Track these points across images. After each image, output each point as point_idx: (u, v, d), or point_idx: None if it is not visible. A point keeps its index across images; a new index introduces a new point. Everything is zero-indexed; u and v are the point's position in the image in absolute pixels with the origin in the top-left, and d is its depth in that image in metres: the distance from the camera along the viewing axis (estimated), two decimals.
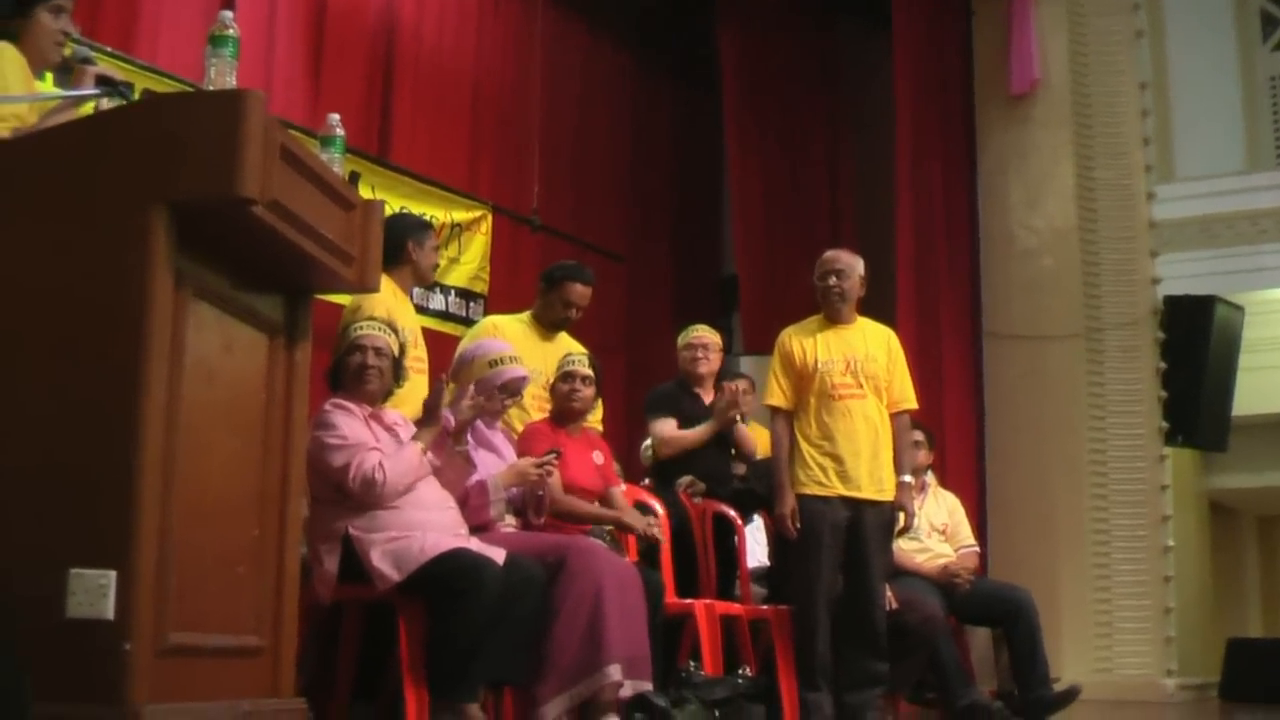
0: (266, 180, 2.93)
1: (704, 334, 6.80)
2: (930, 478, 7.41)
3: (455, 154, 9.47)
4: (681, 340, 6.89)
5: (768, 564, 6.57)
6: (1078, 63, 10.15)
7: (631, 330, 10.77)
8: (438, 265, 5.95)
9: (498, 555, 4.32)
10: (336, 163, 3.54)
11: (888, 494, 5.88)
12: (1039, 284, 9.87)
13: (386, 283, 5.78)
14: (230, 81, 3.05)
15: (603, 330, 10.40)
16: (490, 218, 9.40)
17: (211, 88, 3.07)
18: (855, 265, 6.09)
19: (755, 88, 11.05)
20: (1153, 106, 10.50)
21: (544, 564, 4.52)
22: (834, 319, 6.05)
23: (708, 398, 6.67)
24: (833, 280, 6.03)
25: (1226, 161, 10.75)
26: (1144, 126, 10.22)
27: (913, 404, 6.08)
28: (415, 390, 5.08)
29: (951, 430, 9.75)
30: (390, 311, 5.00)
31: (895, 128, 10.05)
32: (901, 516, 5.92)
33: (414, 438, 4.47)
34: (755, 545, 6.62)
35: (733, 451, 6.70)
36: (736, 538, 6.19)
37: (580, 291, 6.24)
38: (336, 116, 3.69)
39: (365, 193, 8.40)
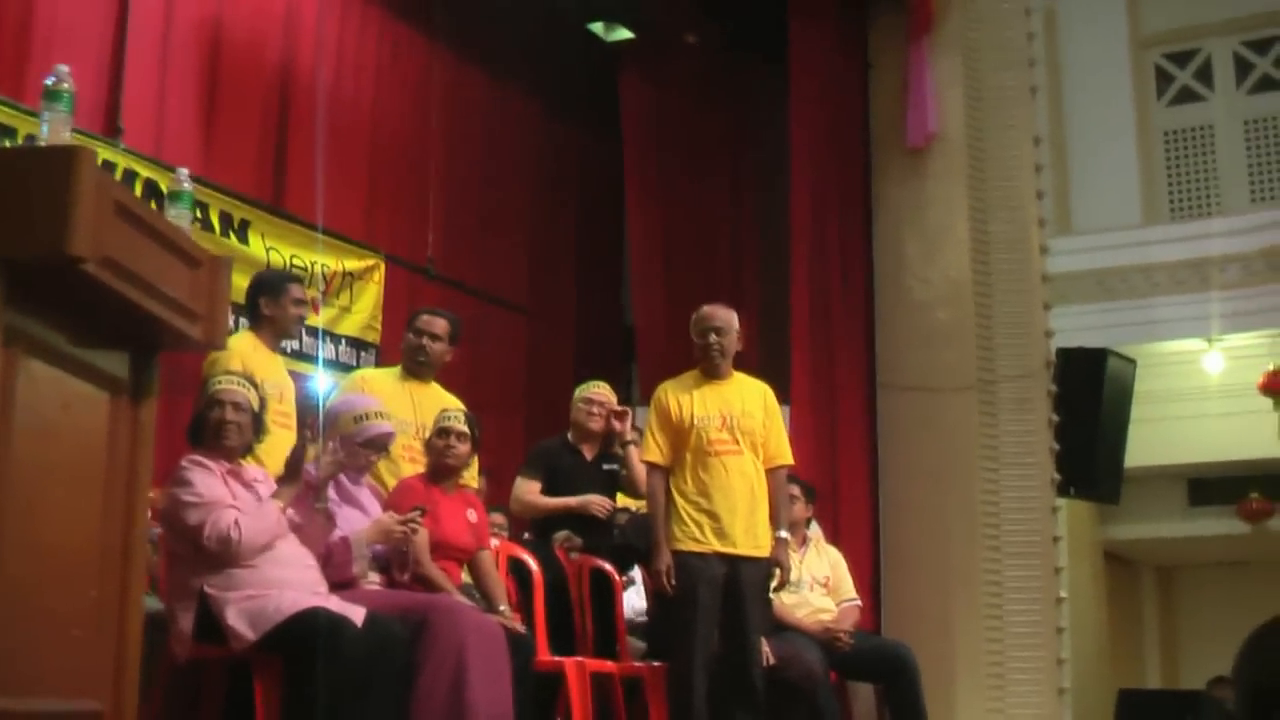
0: (99, 238, 2.90)
1: (602, 390, 6.80)
2: (814, 530, 7.43)
3: (350, 202, 9.45)
4: (578, 394, 6.88)
5: (645, 617, 6.56)
6: (973, 117, 10.26)
7: (532, 383, 10.78)
8: (303, 317, 5.89)
9: (357, 614, 4.29)
10: (185, 219, 3.49)
11: (764, 550, 5.89)
12: (933, 336, 9.94)
13: (247, 337, 5.79)
14: (66, 136, 3.02)
15: (503, 383, 10.42)
16: (383, 267, 9.38)
17: (45, 143, 3.03)
18: (732, 320, 6.12)
19: (657, 137, 11.11)
20: (1048, 160, 10.66)
21: (406, 623, 4.49)
22: (712, 375, 6.06)
23: (590, 453, 6.68)
24: (712, 337, 6.04)
25: (1122, 215, 10.95)
26: (1038, 180, 10.35)
27: (788, 459, 6.09)
28: (280, 445, 5.05)
29: (846, 481, 9.81)
30: (248, 366, 4.96)
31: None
32: (778, 572, 5.93)
33: (273, 495, 4.44)
34: (636, 598, 6.62)
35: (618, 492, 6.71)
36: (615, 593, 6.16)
37: (426, 320, 6.23)
38: (185, 171, 3.64)
39: (255, 242, 8.38)
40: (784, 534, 5.97)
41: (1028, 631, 9.67)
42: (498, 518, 7.37)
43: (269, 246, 8.53)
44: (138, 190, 7.61)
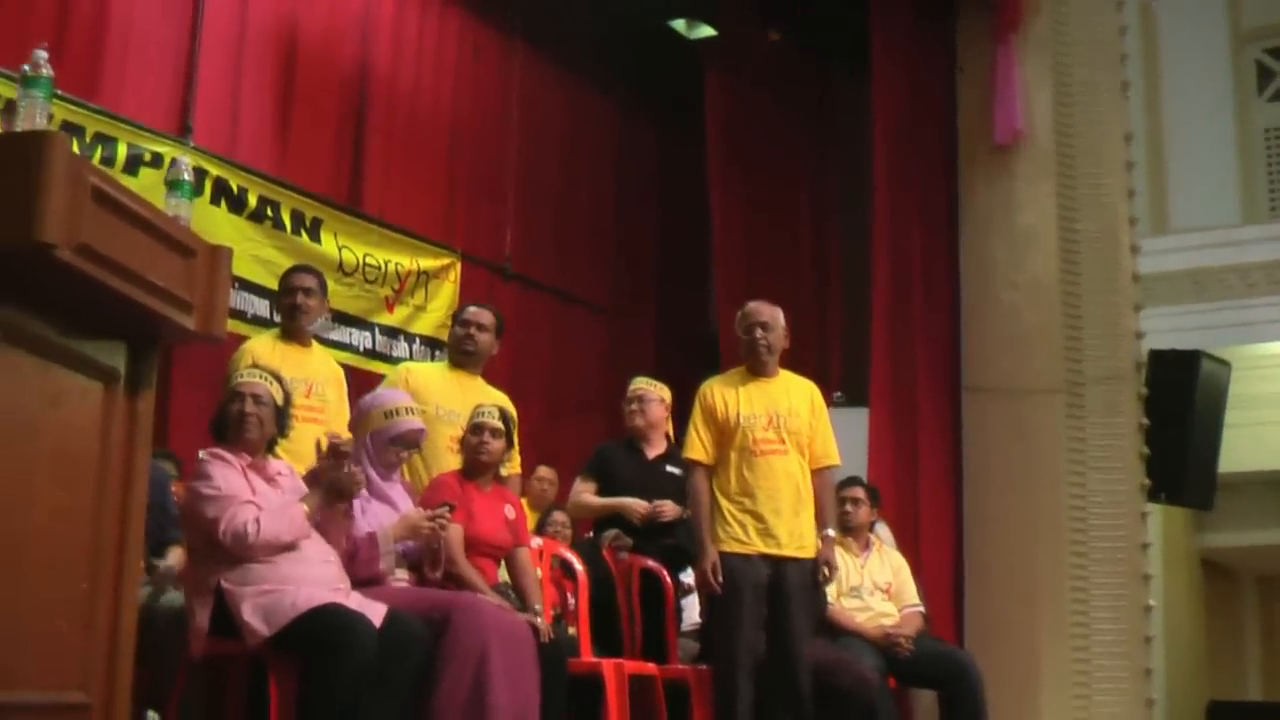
0: (73, 225, 2.88)
1: (643, 387, 6.73)
2: (882, 534, 7.30)
3: (427, 201, 9.49)
4: (627, 392, 6.83)
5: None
6: (1062, 115, 10.04)
7: (612, 385, 10.67)
8: (295, 305, 5.77)
9: (377, 611, 4.25)
10: (184, 208, 3.46)
11: (809, 551, 5.76)
12: (1020, 338, 9.72)
13: (267, 336, 5.83)
14: (41, 123, 3.00)
15: (582, 384, 10.38)
16: (459, 266, 9.38)
17: (20, 129, 3.01)
18: (778, 317, 6.00)
19: (740, 137, 11.02)
20: (1143, 158, 10.42)
21: (428, 621, 4.43)
22: (757, 372, 5.95)
23: (652, 452, 6.60)
24: (759, 333, 5.93)
25: (1219, 214, 10.65)
26: (1129, 179, 10.10)
27: (835, 460, 5.96)
28: (308, 439, 5.07)
29: (928, 486, 9.64)
30: (269, 359, 4.97)
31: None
32: (825, 569, 5.79)
33: (301, 499, 4.41)
34: (696, 602, 6.53)
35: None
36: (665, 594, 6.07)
37: (474, 312, 6.21)
38: (185, 160, 3.62)
39: (328, 241, 8.42)
40: (830, 532, 5.83)
41: (1114, 640, 9.43)
42: (560, 516, 7.32)
43: (341, 245, 8.57)
44: (207, 189, 7.70)
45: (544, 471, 8.26)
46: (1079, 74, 10.14)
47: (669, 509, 6.34)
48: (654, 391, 6.69)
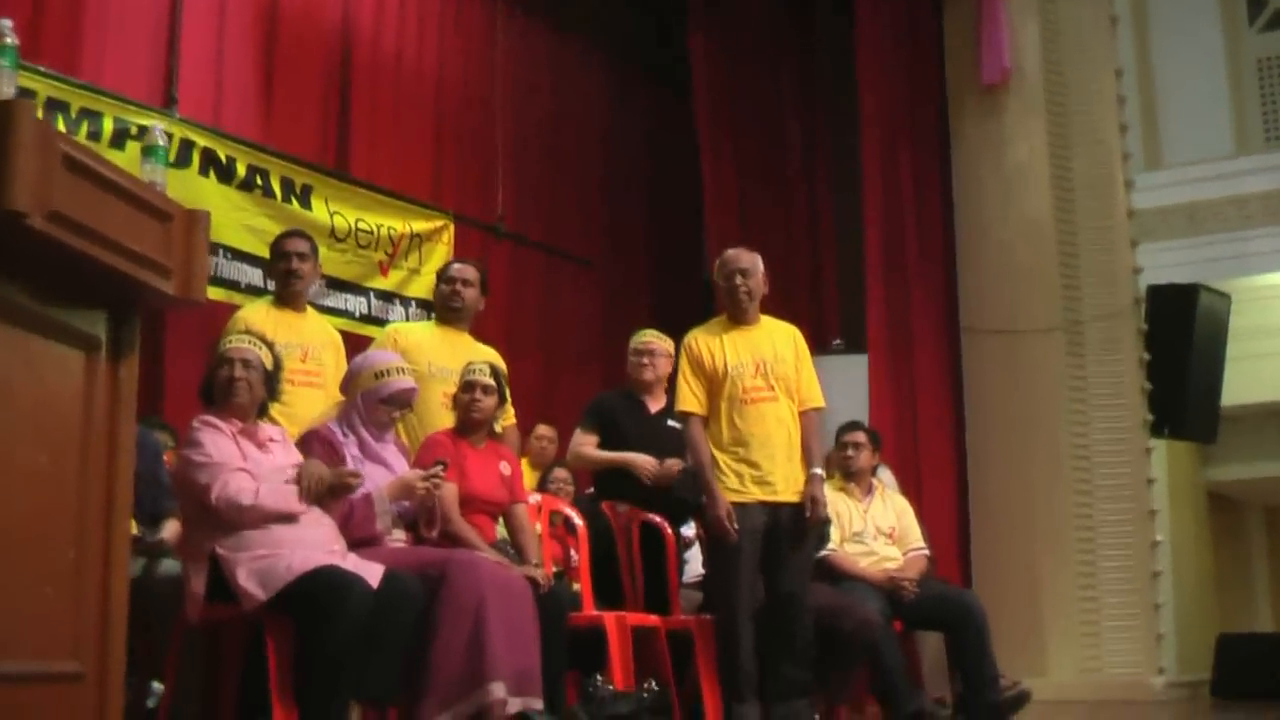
0: (44, 192, 2.84)
1: (652, 339, 6.70)
2: (884, 478, 7.30)
3: (417, 164, 9.44)
4: (631, 344, 6.80)
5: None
6: (1051, 51, 10.04)
7: (607, 339, 10.68)
8: (288, 270, 5.71)
9: (374, 571, 4.24)
10: (159, 173, 3.44)
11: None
12: (1016, 277, 9.75)
13: (260, 304, 5.82)
14: (9, 92, 2.97)
15: (578, 339, 10.38)
16: (452, 227, 9.34)
17: None
18: (757, 263, 5.96)
19: (728, 86, 11.01)
20: (1134, 93, 10.37)
21: (425, 579, 4.43)
22: (739, 320, 5.91)
23: (654, 406, 6.57)
24: (738, 279, 5.89)
25: (1214, 146, 10.57)
26: (1121, 114, 10.10)
27: (820, 402, 5.92)
28: (305, 404, 5.06)
29: (928, 429, 9.68)
30: (259, 329, 4.97)
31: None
32: (813, 507, 5.71)
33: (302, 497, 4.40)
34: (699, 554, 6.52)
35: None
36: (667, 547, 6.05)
37: (459, 268, 6.22)
38: (160, 126, 3.59)
39: (319, 207, 8.38)
40: (818, 471, 5.78)
41: (1122, 577, 9.49)
42: (561, 473, 7.31)
43: (333, 211, 8.53)
44: (194, 160, 7.66)
45: (544, 430, 8.25)
46: (1066, 9, 10.15)
47: (678, 467, 6.29)
48: (662, 345, 6.66)
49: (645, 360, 6.66)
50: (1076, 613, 9.37)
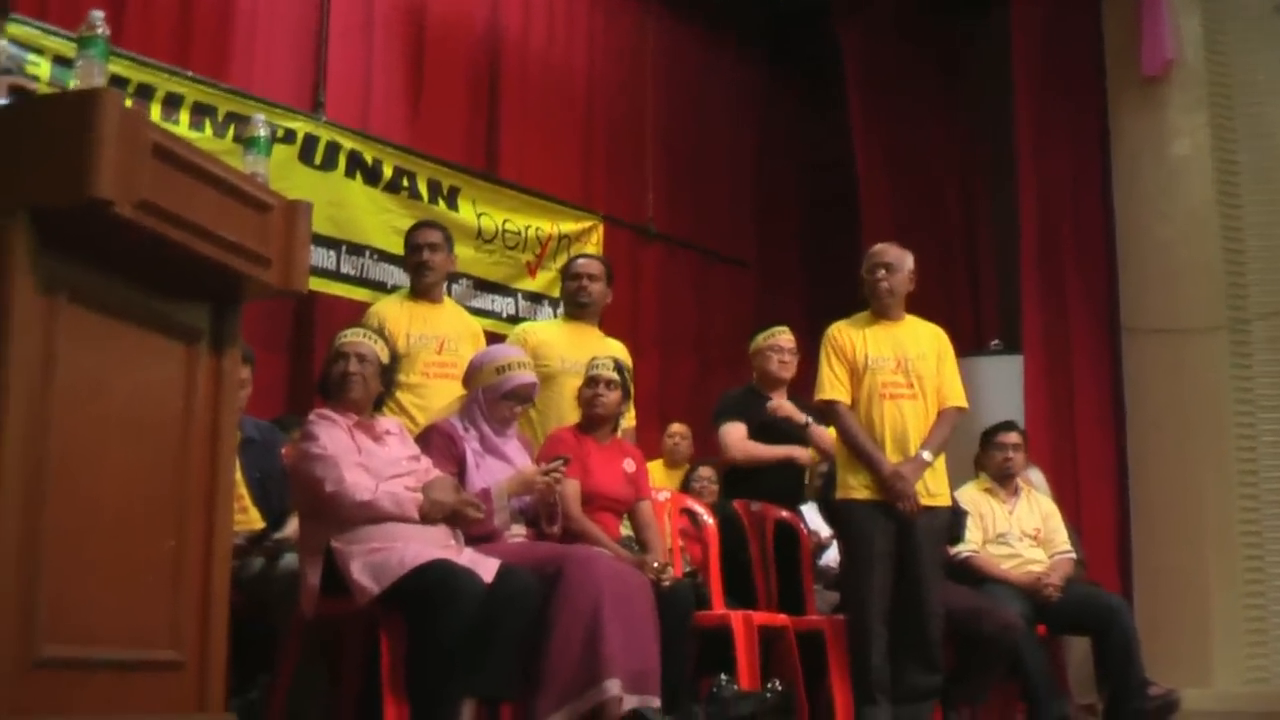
0: (131, 180, 2.86)
1: (787, 336, 6.62)
2: (1032, 479, 7.11)
3: (566, 165, 9.45)
4: (761, 341, 6.70)
5: None
6: (1214, 41, 9.71)
7: None
8: (422, 263, 5.78)
9: (489, 566, 4.21)
10: (261, 164, 3.44)
11: (940, 498, 5.61)
12: (1179, 274, 9.43)
13: (394, 297, 5.85)
14: (99, 82, 2.98)
15: (729, 341, 10.27)
16: (601, 228, 9.32)
17: (75, 88, 3.00)
18: (904, 260, 5.84)
19: (880, 86, 10.83)
20: None
21: (541, 575, 4.38)
22: (882, 315, 5.80)
23: (778, 401, 6.49)
24: (880, 274, 5.80)
25: None
26: None
27: (961, 402, 5.75)
28: (439, 395, 5.17)
29: (1086, 432, 9.42)
30: (391, 323, 4.98)
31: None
32: (897, 485, 5.50)
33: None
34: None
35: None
36: (801, 545, 5.95)
37: (583, 263, 6.25)
38: (261, 117, 3.59)
39: (466, 208, 8.41)
40: (927, 455, 5.58)
41: None
42: (706, 471, 7.25)
43: (480, 212, 8.55)
44: (341, 163, 7.72)
45: (677, 427, 8.13)
46: None
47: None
48: (793, 342, 6.60)
49: (786, 358, 6.59)
50: (1242, 620, 9.04)
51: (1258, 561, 9.15)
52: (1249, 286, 9.45)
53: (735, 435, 6.44)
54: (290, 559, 4.66)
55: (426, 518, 4.35)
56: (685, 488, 7.11)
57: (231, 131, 7.08)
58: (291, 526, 4.79)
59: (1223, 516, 9.13)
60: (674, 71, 10.40)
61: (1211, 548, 9.10)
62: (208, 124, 7.03)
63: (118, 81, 6.45)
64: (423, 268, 5.78)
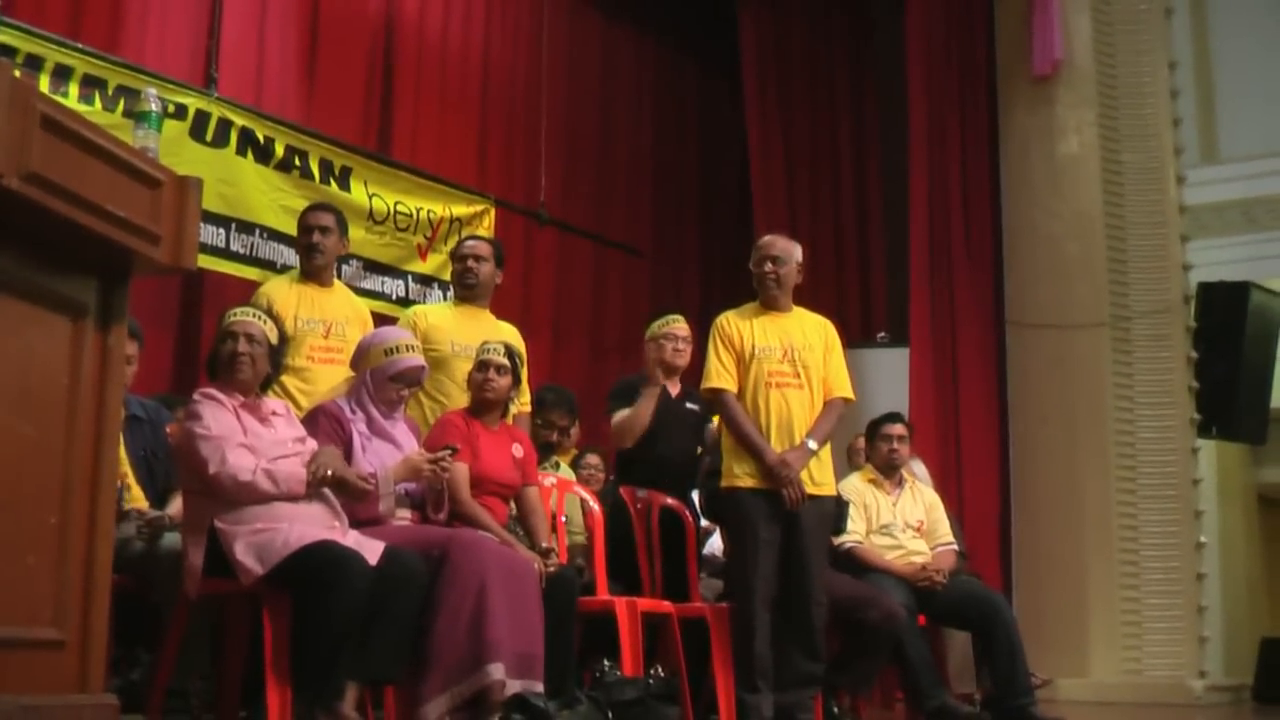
0: (19, 152, 2.82)
1: (681, 325, 6.62)
2: (915, 470, 7.21)
3: (459, 147, 9.44)
4: (656, 329, 6.70)
5: None
6: (1103, 42, 9.92)
7: None
8: (313, 244, 5.71)
9: (374, 549, 4.21)
10: (152, 138, 3.41)
11: (824, 488, 5.67)
12: (1064, 271, 9.63)
13: (283, 278, 5.82)
14: None
15: (625, 328, 10.31)
16: (493, 212, 9.30)
17: None
18: (792, 251, 5.89)
19: (777, 73, 10.97)
20: (1191, 86, 10.22)
21: (427, 557, 4.39)
22: (770, 305, 5.85)
23: (673, 390, 6.50)
24: (768, 266, 5.84)
25: (1271, 141, 10.37)
26: (1174, 107, 9.94)
27: (848, 393, 5.81)
28: (329, 380, 5.11)
29: (970, 424, 9.58)
30: (280, 304, 4.95)
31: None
32: (781, 471, 5.51)
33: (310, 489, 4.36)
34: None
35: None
36: (687, 533, 5.98)
37: (469, 245, 6.23)
38: (153, 91, 3.56)
39: (358, 189, 8.37)
40: (812, 443, 5.64)
41: (1166, 579, 9.37)
42: (593, 459, 7.27)
43: (372, 193, 8.51)
44: (232, 140, 7.66)
45: (593, 459, 8.02)
46: (1119, 0, 9.99)
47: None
48: (688, 332, 6.60)
49: (680, 346, 6.58)
50: (1119, 613, 9.25)
51: (1133, 556, 9.36)
52: (1131, 285, 9.66)
53: (619, 419, 6.43)
54: (172, 538, 4.63)
55: (314, 479, 4.32)
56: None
57: (122, 105, 7.00)
58: (175, 505, 4.75)
59: (1102, 510, 9.34)
60: (572, 55, 10.42)
61: (1090, 540, 9.30)
62: (97, 97, 6.95)
63: (6, 51, 6.39)
64: (313, 250, 5.74)
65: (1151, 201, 9.72)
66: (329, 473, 4.35)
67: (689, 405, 6.40)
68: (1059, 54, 9.64)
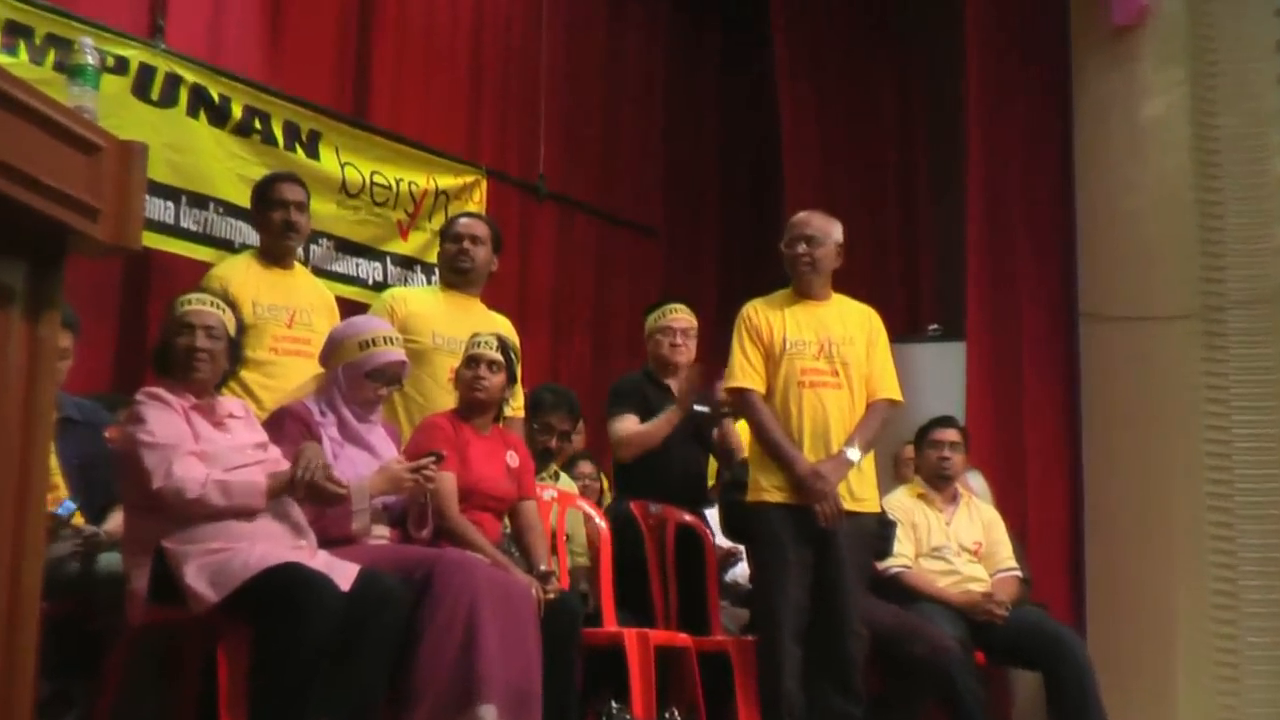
0: None
1: (681, 316, 6.65)
2: (972, 484, 7.23)
3: (447, 112, 9.44)
4: (653, 321, 6.75)
5: None
6: None
7: None
8: (289, 222, 5.76)
9: (347, 572, 4.24)
10: (89, 97, 3.44)
11: (867, 504, 5.70)
12: (1146, 254, 9.59)
13: (242, 258, 5.82)
14: None
15: (633, 316, 10.32)
16: (485, 184, 9.33)
17: None
18: (830, 231, 5.91)
19: (812, 35, 10.93)
20: None
21: (409, 581, 4.42)
22: (804, 293, 5.88)
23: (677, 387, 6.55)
24: (801, 248, 5.87)
25: None
26: None
27: (895, 394, 5.85)
28: (291, 375, 5.13)
29: (1035, 430, 9.55)
30: (236, 289, 4.98)
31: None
32: (815, 486, 5.58)
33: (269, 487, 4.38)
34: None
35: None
36: (707, 554, 6.02)
37: (466, 223, 6.29)
38: (89, 41, 3.59)
39: (328, 156, 8.39)
40: (852, 455, 5.69)
41: (1267, 611, 9.31)
42: (587, 468, 7.29)
43: (344, 162, 8.52)
44: (182, 99, 7.67)
45: (587, 468, 8.04)
46: None
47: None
48: (693, 323, 6.63)
49: (680, 341, 6.62)
50: (1212, 652, 9.21)
51: (1229, 584, 9.31)
52: (1226, 270, 9.62)
53: (623, 428, 6.48)
54: (111, 558, 4.66)
55: (298, 480, 4.34)
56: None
57: (52, 57, 7.00)
58: (115, 520, 4.79)
59: (1191, 530, 9.29)
60: (576, 10, 10.42)
61: (1178, 566, 9.26)
62: (22, 47, 6.93)
63: None
64: (289, 228, 5.77)
65: (1251, 174, 9.67)
66: (313, 476, 4.37)
67: (696, 406, 6.43)
68: (1146, 1, 9.62)
